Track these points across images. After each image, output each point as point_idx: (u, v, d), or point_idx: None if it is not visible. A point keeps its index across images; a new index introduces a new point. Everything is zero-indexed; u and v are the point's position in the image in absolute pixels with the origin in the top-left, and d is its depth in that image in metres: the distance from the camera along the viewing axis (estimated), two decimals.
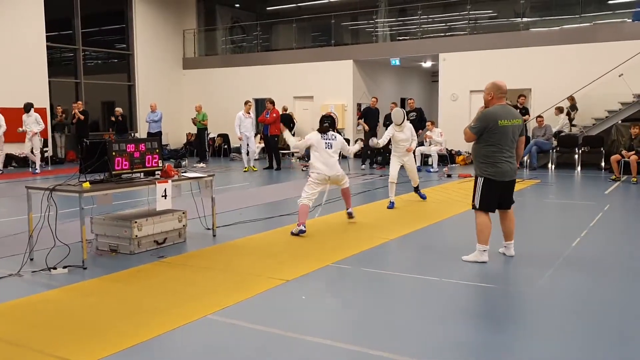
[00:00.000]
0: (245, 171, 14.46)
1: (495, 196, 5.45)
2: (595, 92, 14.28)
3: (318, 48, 19.91)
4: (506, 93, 5.51)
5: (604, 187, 11.03)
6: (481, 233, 5.50)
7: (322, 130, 7.13)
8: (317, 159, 7.07)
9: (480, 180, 5.46)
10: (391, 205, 8.69)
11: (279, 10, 22.18)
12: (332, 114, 7.55)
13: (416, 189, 9.40)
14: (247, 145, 14.67)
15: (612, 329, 3.89)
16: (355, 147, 7.92)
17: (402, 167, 8.81)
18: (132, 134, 19.47)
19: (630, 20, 15.33)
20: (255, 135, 15.84)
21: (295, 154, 18.44)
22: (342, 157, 7.46)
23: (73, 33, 18.78)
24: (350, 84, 18.54)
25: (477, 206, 5.50)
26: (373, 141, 8.91)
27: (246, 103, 14.85)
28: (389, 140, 8.85)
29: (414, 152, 9.11)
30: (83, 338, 3.73)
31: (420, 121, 14.43)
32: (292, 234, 6.83)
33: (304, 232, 6.79)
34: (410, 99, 15.77)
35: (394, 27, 19.41)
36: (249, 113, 14.64)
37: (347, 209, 7.61)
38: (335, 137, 7.17)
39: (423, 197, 9.41)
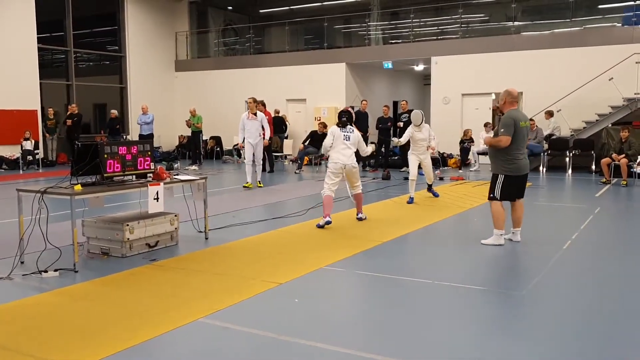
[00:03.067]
0: (246, 187, 11.54)
1: (514, 188, 6.18)
2: (586, 96, 14.39)
3: (311, 51, 19.92)
4: (517, 98, 6.26)
5: (595, 190, 11.11)
6: (497, 220, 6.23)
7: (341, 124, 7.51)
8: (334, 150, 7.44)
9: (501, 178, 6.15)
10: (410, 201, 9.28)
11: (271, 13, 22.20)
12: (349, 109, 7.82)
13: (430, 187, 9.90)
14: (253, 154, 11.53)
15: (604, 331, 3.91)
16: (369, 148, 8.33)
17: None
18: (119, 136, 19.34)
19: (620, 24, 15.48)
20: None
21: (287, 157, 18.42)
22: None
23: (64, 35, 18.70)
24: (343, 86, 18.56)
25: (499, 198, 6.19)
26: (394, 141, 9.45)
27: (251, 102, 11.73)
28: (386, 144, 9.08)
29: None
30: (74, 342, 3.70)
31: None
32: (319, 226, 7.20)
33: (329, 223, 7.16)
34: (404, 100, 15.80)
35: (386, 31, 19.47)
36: (255, 114, 11.54)
37: (357, 214, 7.87)
38: (353, 130, 7.56)
39: (436, 195, 9.84)
